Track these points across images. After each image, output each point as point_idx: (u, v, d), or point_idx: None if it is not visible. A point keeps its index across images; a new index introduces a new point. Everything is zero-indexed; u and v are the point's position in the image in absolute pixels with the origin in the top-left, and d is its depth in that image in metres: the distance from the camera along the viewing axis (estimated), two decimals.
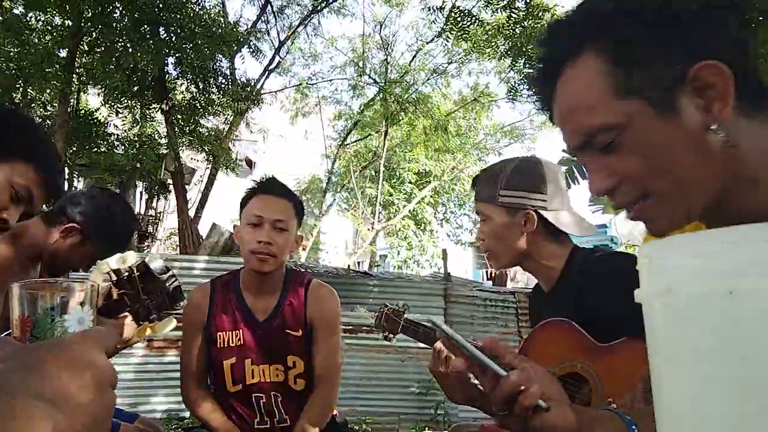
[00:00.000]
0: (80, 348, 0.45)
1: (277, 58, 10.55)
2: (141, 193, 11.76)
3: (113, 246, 1.68)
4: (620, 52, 0.64)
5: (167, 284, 0.92)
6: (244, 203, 1.74)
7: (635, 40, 0.63)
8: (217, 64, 7.70)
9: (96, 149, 7.99)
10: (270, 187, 1.74)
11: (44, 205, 1.23)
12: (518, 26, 4.58)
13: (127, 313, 0.95)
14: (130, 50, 6.37)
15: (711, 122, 0.61)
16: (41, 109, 8.19)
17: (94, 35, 6.84)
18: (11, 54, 6.80)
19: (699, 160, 0.62)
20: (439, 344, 1.56)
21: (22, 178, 1.14)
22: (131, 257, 0.97)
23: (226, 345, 1.71)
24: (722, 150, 0.61)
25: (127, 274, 0.92)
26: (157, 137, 8.51)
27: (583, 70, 0.66)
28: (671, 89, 0.62)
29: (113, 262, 0.95)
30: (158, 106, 7.75)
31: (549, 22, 0.74)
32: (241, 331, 1.71)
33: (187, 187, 8.67)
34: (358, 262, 14.74)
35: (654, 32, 0.63)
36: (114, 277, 0.93)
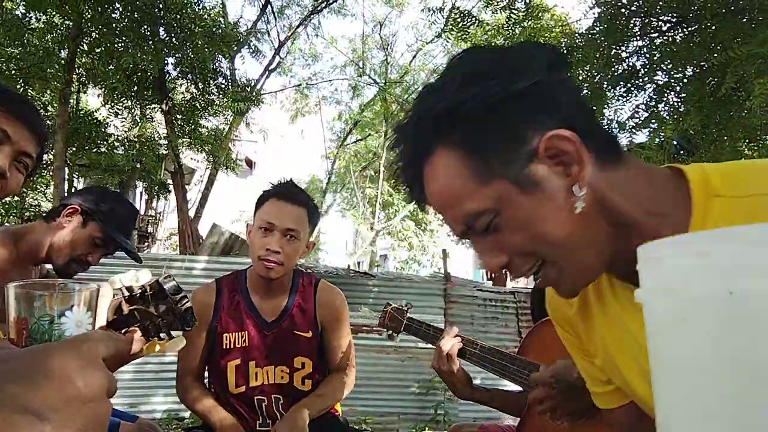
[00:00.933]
0: (74, 354, 0.43)
1: (277, 59, 10.56)
2: (141, 193, 11.76)
3: (116, 223, 1.67)
4: (471, 142, 0.66)
5: (179, 305, 0.91)
6: (258, 205, 1.72)
7: (481, 127, 0.66)
8: (217, 64, 7.69)
9: (96, 149, 7.98)
10: (285, 192, 1.70)
11: (35, 148, 1.16)
12: (518, 27, 4.57)
13: (136, 328, 0.94)
14: (130, 51, 6.37)
15: (572, 185, 0.65)
16: (41, 109, 8.18)
17: (94, 36, 6.83)
18: (11, 54, 6.79)
19: (572, 221, 0.65)
20: (441, 343, 1.57)
21: (15, 136, 1.10)
22: (144, 276, 0.97)
23: (231, 346, 1.70)
24: (591, 207, 0.65)
25: (139, 291, 0.92)
26: (157, 137, 8.50)
27: (440, 166, 0.69)
28: (527, 164, 0.65)
29: (126, 279, 0.94)
30: (158, 106, 7.74)
31: (395, 127, 0.75)
32: (246, 332, 1.70)
33: (187, 187, 8.66)
34: (359, 262, 14.74)
35: (497, 116, 0.65)
36: (126, 294, 0.92)
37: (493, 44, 5.22)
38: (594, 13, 4.29)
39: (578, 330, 0.88)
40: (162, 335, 0.94)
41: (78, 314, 0.53)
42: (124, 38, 6.57)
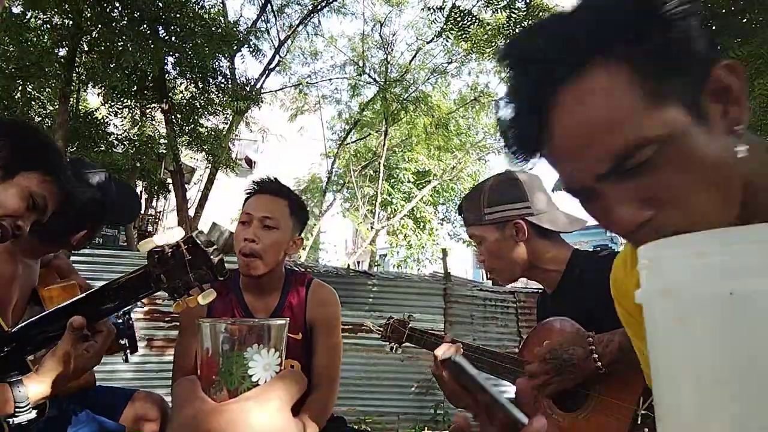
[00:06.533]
0: (265, 410, 0.46)
1: (276, 58, 10.55)
2: (141, 192, 11.76)
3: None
4: (643, 56, 0.54)
5: (212, 257, 0.94)
6: (242, 205, 1.74)
7: (658, 41, 0.54)
8: (217, 63, 7.69)
9: (96, 149, 7.97)
10: (264, 186, 1.72)
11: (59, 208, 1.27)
12: (518, 26, 4.57)
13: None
14: (130, 50, 6.36)
15: (732, 128, 0.56)
16: (41, 109, 8.18)
17: (94, 35, 6.82)
18: (11, 53, 6.78)
19: (725, 172, 0.56)
20: (437, 352, 1.57)
21: (41, 189, 1.18)
22: (177, 233, 0.99)
23: None
24: (740, 156, 0.55)
25: (171, 250, 0.94)
26: (156, 137, 8.50)
27: (598, 86, 0.55)
28: (699, 93, 0.55)
29: (160, 239, 0.96)
30: (158, 105, 7.74)
31: (515, 40, 0.62)
32: None
33: (186, 186, 8.66)
34: (358, 262, 14.74)
35: (675, 32, 0.54)
36: (156, 256, 0.94)
37: (494, 44, 5.22)
38: None
39: (632, 308, 0.80)
40: (191, 292, 0.96)
41: (267, 356, 0.53)
42: (123, 37, 6.56)
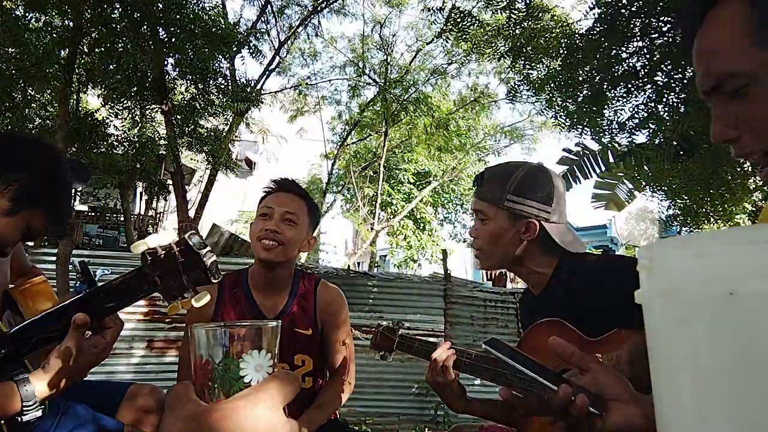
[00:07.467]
0: (253, 407, 0.47)
1: (276, 59, 10.55)
2: (141, 193, 11.76)
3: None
4: (760, 4, 0.64)
5: (204, 259, 0.93)
6: (259, 201, 1.78)
7: None
8: (217, 64, 7.68)
9: (96, 150, 7.96)
10: (284, 185, 1.79)
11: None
12: (518, 27, 4.57)
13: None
14: (130, 51, 6.36)
15: None
16: (41, 110, 8.17)
17: (94, 36, 6.82)
18: (11, 54, 6.78)
19: None
20: (435, 355, 1.55)
21: (39, 224, 1.26)
22: (169, 236, 0.98)
23: None
24: None
25: (164, 252, 0.92)
26: (156, 138, 8.49)
27: (724, 15, 0.66)
28: None
29: (153, 241, 0.95)
30: (158, 106, 7.74)
31: None
32: None
33: (186, 187, 8.65)
34: (358, 263, 14.74)
35: None
36: (149, 258, 0.93)
37: (494, 45, 5.23)
38: (594, 14, 4.29)
39: None
40: (186, 294, 0.95)
41: (258, 358, 0.52)
42: (123, 38, 6.56)
